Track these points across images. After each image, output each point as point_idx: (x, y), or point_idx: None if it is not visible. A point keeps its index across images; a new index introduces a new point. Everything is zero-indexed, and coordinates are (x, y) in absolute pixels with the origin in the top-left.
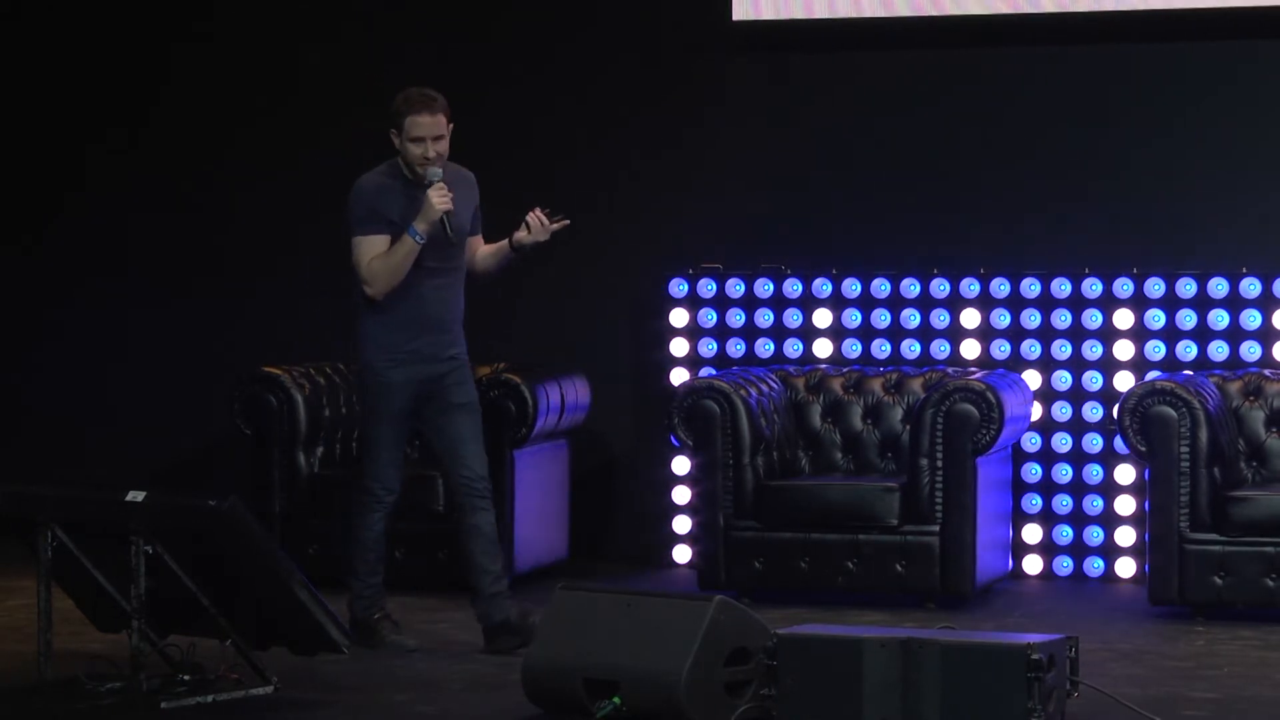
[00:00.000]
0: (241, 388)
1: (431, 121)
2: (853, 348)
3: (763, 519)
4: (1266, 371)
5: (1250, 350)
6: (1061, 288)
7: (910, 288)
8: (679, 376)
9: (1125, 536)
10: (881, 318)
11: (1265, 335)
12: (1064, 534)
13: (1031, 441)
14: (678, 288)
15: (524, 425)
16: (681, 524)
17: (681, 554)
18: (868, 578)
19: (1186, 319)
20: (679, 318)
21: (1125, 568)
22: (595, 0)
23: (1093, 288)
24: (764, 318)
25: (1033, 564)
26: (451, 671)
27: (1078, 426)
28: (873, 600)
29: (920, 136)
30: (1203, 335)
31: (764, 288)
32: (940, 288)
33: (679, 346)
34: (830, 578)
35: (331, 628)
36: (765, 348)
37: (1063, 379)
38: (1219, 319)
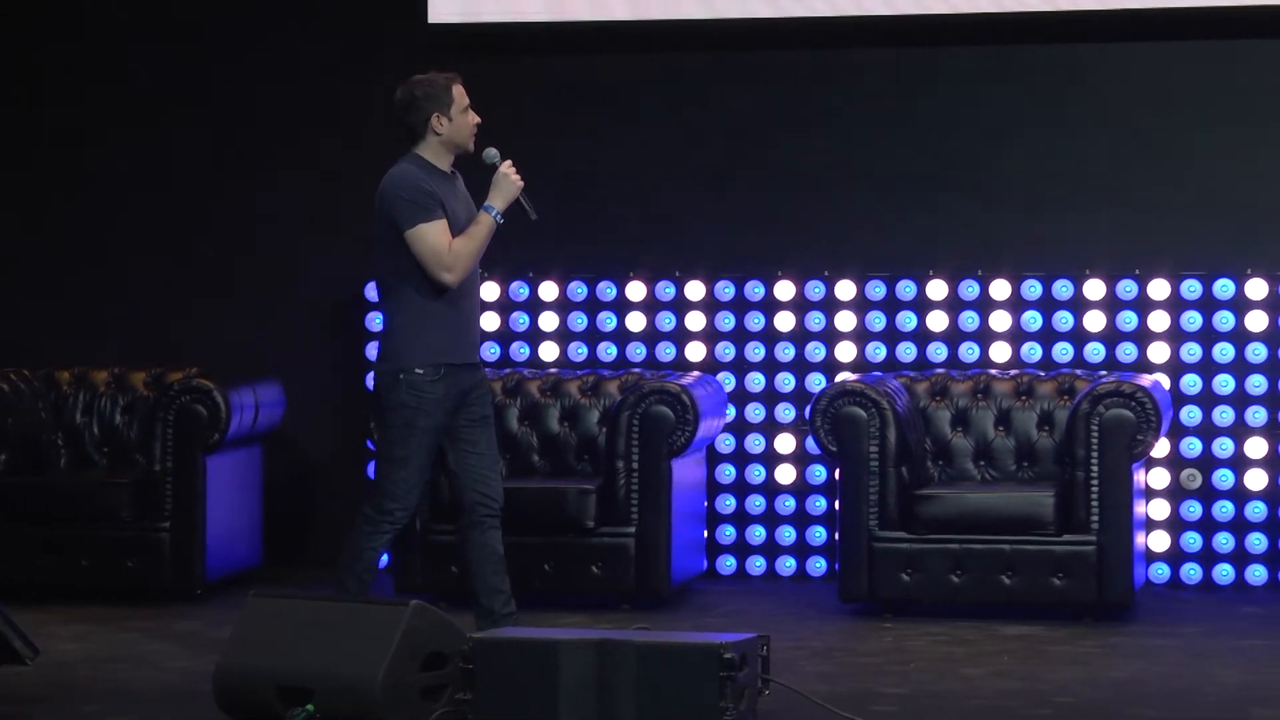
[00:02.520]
0: None
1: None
2: (549, 351)
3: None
4: (952, 372)
5: (936, 351)
6: (754, 290)
7: (606, 291)
8: None
9: (817, 536)
10: (578, 321)
11: (951, 337)
12: (757, 534)
13: (725, 443)
14: (374, 291)
15: (216, 431)
16: None
17: None
18: (564, 580)
19: (875, 321)
20: (376, 321)
21: (817, 566)
22: (288, 1)
23: (785, 290)
24: None
25: (727, 564)
26: (142, 681)
27: (771, 428)
28: (570, 602)
29: (617, 140)
30: (891, 337)
31: None
32: (636, 291)
33: (376, 350)
34: (527, 580)
35: (14, 639)
36: None
37: (756, 381)
38: (906, 320)
